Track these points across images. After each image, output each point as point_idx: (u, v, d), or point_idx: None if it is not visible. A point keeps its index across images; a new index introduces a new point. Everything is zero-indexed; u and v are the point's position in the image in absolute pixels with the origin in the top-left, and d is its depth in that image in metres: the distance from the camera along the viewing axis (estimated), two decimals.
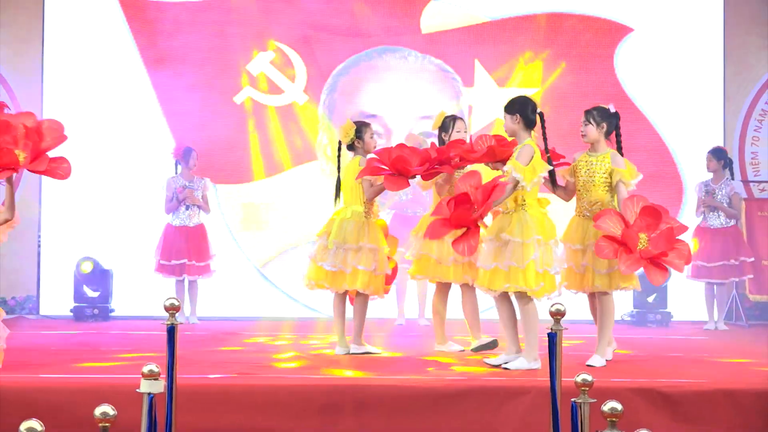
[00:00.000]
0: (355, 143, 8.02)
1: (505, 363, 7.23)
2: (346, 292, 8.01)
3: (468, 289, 8.06)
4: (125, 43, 11.73)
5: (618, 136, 7.53)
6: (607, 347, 7.52)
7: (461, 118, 8.44)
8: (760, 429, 6.32)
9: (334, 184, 8.10)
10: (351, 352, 7.90)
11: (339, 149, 8.15)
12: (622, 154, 7.43)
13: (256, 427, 6.24)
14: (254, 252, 11.67)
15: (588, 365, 7.20)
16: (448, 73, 11.81)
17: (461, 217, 6.98)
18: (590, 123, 7.48)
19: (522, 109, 7.23)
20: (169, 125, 11.66)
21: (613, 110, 7.51)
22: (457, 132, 8.13)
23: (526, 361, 7.11)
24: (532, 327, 7.17)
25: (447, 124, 8.19)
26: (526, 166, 7.02)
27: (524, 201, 7.15)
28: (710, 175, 10.79)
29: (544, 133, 7.30)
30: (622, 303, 11.14)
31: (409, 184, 7.91)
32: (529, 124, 7.23)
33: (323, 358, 7.89)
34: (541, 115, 7.27)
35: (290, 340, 9.11)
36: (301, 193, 11.53)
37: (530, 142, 7.17)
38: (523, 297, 7.13)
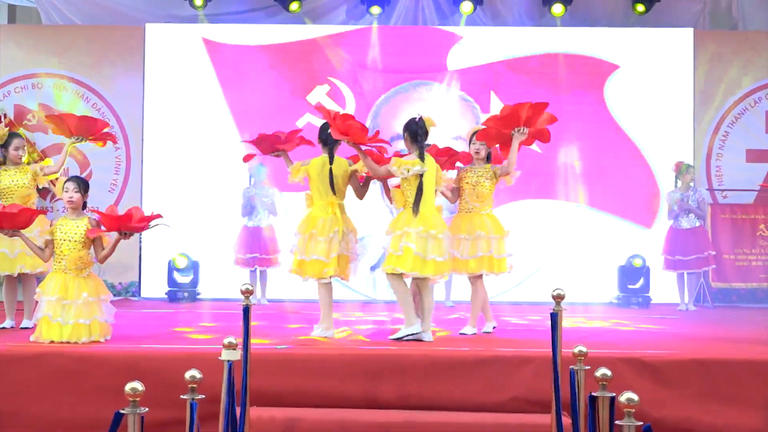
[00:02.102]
0: None
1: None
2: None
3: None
4: (210, 77, 11.79)
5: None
6: (488, 322, 7.68)
7: None
8: (724, 390, 6.28)
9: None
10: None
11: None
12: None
13: (312, 387, 6.24)
14: None
15: (460, 333, 7.48)
16: (468, 102, 11.77)
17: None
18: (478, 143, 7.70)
19: (321, 133, 7.37)
20: (244, 144, 11.69)
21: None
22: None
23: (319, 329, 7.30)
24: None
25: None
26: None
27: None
28: (671, 187, 10.82)
29: (331, 149, 7.35)
30: (609, 288, 11.11)
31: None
32: (324, 142, 7.33)
33: (367, 332, 7.88)
34: (329, 136, 7.21)
35: (341, 317, 9.10)
36: (348, 200, 11.50)
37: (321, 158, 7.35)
38: None
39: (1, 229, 6.81)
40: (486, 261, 7.57)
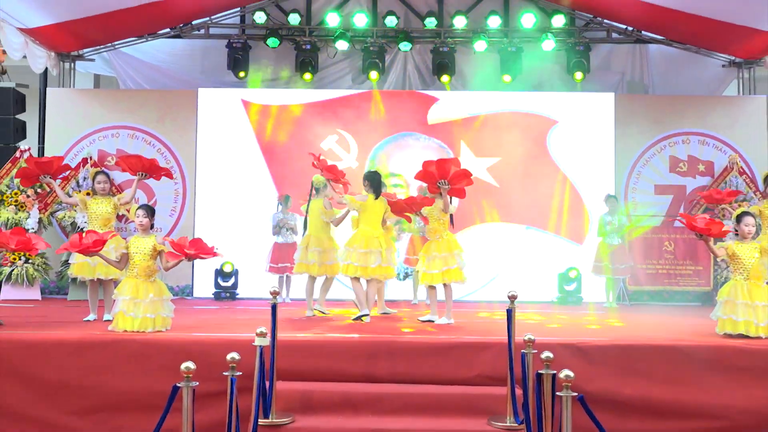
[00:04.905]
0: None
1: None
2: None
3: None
4: (246, 128, 11.80)
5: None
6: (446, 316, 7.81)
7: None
8: (638, 368, 6.28)
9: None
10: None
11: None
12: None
13: (325, 366, 6.23)
14: None
15: (445, 323, 7.64)
16: (443, 149, 11.76)
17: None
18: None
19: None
20: (273, 180, 11.70)
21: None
22: None
23: None
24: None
25: None
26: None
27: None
28: (604, 211, 10.75)
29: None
30: (551, 289, 11.09)
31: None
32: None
33: (368, 323, 7.84)
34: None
35: (348, 312, 9.06)
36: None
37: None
38: None
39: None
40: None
